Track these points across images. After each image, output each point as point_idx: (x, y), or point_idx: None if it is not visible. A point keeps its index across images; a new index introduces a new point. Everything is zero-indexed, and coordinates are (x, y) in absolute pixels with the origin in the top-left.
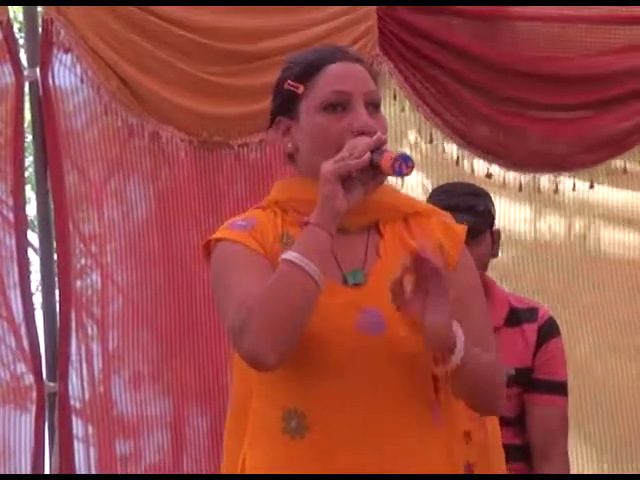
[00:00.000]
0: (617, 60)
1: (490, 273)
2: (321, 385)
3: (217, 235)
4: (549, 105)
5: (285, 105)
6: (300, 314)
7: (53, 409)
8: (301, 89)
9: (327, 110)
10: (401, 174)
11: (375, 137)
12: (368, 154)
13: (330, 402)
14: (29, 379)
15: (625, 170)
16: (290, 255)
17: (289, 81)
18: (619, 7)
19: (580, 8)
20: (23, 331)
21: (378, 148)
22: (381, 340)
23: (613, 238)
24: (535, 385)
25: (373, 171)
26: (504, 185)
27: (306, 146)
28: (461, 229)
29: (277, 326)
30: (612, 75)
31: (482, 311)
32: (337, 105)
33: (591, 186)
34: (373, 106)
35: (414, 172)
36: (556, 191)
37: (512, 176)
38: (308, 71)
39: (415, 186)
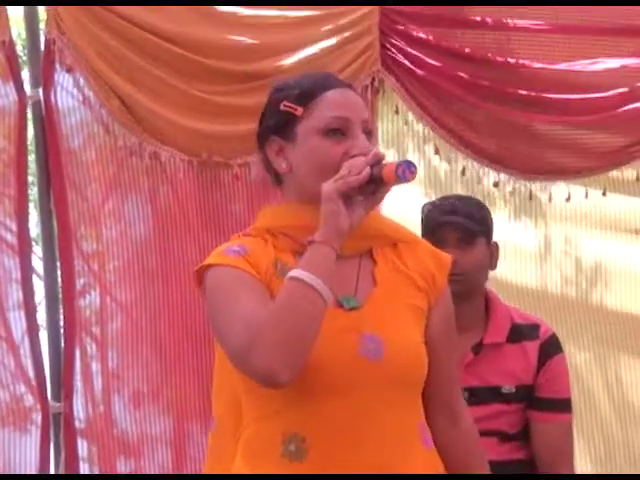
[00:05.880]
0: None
1: (492, 285)
2: (322, 408)
3: (211, 261)
4: (558, 110)
5: (280, 126)
6: (310, 330)
7: (57, 429)
8: (300, 111)
9: (328, 135)
10: (405, 179)
11: (372, 153)
12: (367, 169)
13: (330, 425)
14: (29, 400)
15: (638, 178)
16: (298, 273)
17: (286, 103)
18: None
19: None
20: (26, 352)
21: (377, 163)
22: (379, 366)
23: (622, 248)
24: (539, 403)
25: (373, 187)
26: (513, 193)
27: (303, 168)
28: (446, 257)
29: (289, 342)
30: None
31: (452, 350)
32: (337, 130)
33: (603, 194)
34: (367, 134)
35: (421, 185)
36: (568, 199)
37: (520, 185)
38: (307, 94)
39: (421, 199)
